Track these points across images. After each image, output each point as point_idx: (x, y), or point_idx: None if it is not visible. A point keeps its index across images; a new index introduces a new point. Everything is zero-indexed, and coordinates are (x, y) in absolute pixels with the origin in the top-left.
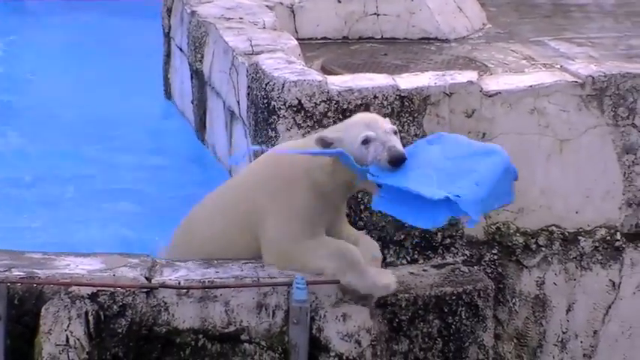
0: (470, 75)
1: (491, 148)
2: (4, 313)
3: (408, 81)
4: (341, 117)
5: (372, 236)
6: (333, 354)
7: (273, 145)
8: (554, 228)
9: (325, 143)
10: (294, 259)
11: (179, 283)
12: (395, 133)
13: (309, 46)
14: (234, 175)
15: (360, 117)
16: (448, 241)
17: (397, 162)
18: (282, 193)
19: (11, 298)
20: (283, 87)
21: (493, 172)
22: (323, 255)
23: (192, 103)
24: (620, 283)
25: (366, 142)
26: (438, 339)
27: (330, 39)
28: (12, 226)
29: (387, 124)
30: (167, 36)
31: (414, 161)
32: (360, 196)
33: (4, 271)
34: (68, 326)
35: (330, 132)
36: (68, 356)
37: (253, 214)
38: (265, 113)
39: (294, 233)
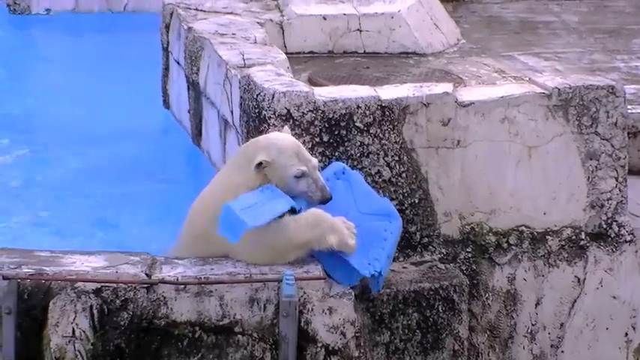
0: (445, 86)
1: (391, 211)
2: (15, 308)
3: (388, 92)
4: (327, 125)
5: None
6: (320, 345)
7: None
8: (523, 228)
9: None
10: (276, 241)
11: (177, 279)
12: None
13: (296, 59)
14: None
15: (288, 143)
16: (426, 240)
17: (326, 202)
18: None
19: (21, 293)
20: (273, 97)
21: (395, 242)
22: (304, 227)
23: (189, 112)
24: (584, 279)
25: (299, 176)
26: (417, 331)
27: (316, 53)
28: (22, 226)
29: (312, 157)
30: (165, 50)
31: (332, 202)
32: None
33: (15, 268)
34: (74, 319)
35: (262, 155)
36: (74, 347)
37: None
38: (256, 122)
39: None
